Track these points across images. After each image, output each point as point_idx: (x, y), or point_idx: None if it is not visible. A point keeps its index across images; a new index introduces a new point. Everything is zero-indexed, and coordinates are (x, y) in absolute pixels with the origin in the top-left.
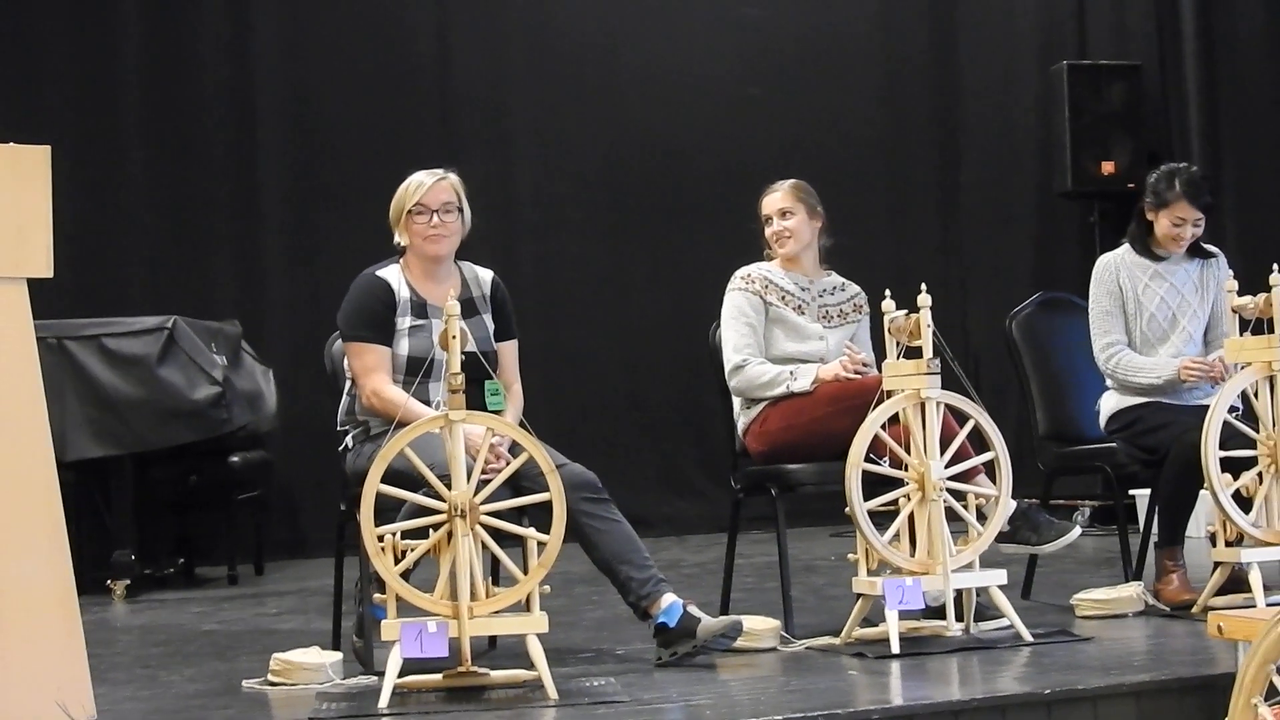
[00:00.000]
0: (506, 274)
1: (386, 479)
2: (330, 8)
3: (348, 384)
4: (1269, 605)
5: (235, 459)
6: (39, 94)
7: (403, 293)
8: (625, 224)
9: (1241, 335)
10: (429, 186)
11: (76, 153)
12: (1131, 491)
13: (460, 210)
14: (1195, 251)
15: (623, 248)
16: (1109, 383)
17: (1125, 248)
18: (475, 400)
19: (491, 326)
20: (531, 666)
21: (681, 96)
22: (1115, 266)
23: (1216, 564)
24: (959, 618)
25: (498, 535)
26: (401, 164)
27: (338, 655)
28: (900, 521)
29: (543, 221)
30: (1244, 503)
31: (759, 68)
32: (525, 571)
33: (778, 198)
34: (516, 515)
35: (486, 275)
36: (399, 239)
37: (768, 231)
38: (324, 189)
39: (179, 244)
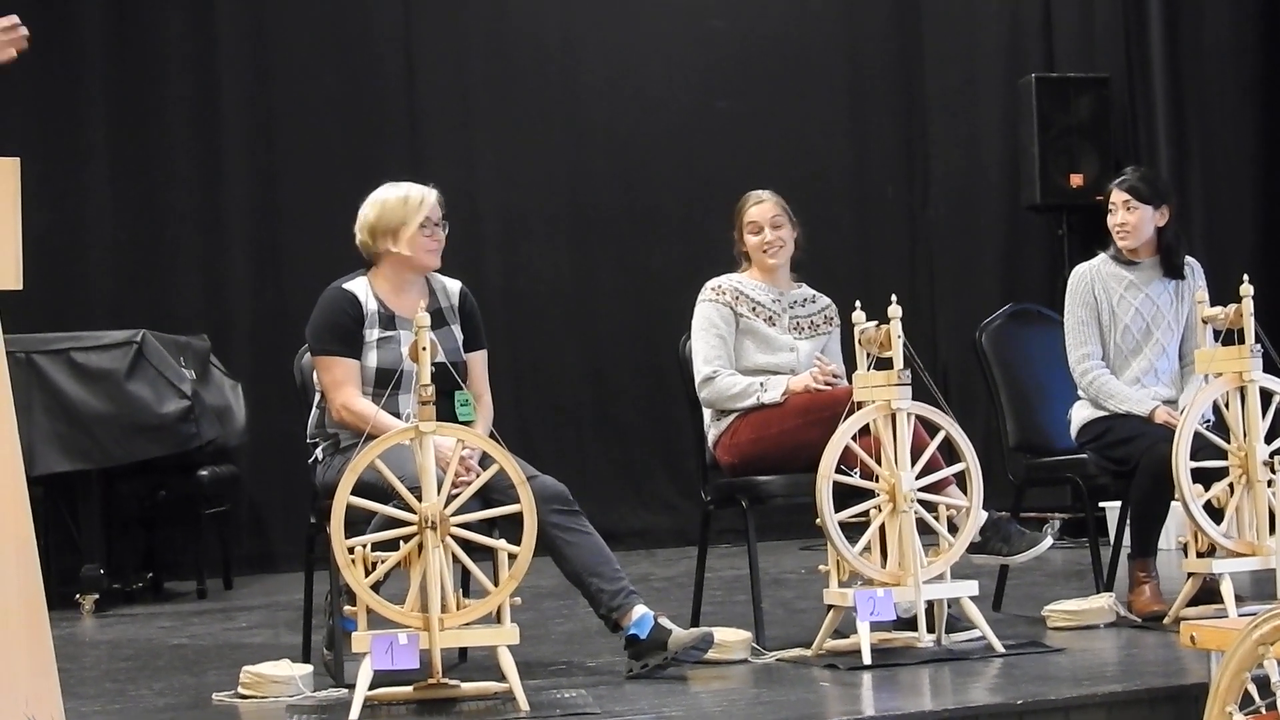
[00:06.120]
0: (473, 285)
1: (356, 491)
2: (295, 21)
3: (317, 397)
4: (1241, 616)
5: (204, 473)
6: (3, 108)
7: (370, 305)
8: (593, 235)
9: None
10: (433, 201)
11: (43, 166)
12: (1102, 504)
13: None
14: (1172, 268)
15: (590, 259)
16: (1080, 393)
17: (1101, 258)
18: (445, 411)
19: (460, 337)
20: (502, 679)
21: (647, 108)
22: (1090, 277)
23: (1188, 575)
24: (930, 629)
25: (468, 547)
26: (367, 177)
27: (308, 668)
28: (871, 533)
29: (509, 233)
30: (1215, 514)
31: (725, 79)
32: (496, 583)
33: (768, 206)
34: (487, 527)
35: (455, 286)
36: (389, 248)
37: (756, 239)
38: (290, 202)
39: (146, 258)
